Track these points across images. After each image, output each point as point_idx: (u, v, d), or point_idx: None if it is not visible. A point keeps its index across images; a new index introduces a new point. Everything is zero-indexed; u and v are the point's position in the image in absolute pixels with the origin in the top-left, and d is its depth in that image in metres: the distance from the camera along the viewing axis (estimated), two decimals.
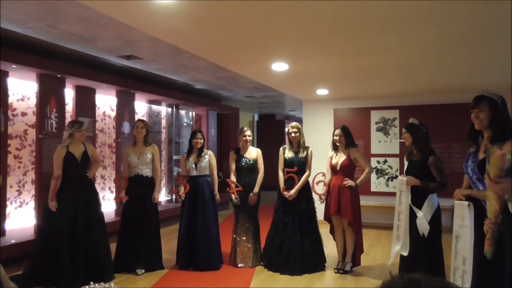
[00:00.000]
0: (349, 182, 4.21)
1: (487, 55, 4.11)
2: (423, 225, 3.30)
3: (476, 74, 5.10)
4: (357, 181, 4.23)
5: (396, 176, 6.80)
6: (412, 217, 3.41)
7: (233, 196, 4.45)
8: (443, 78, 5.37)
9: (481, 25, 3.13)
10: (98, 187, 4.79)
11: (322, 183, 4.42)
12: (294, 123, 4.57)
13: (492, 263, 1.93)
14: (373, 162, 6.89)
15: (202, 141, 4.60)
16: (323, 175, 4.43)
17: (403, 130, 3.66)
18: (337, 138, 4.31)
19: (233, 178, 4.57)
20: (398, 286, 0.60)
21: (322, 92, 6.57)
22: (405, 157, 3.70)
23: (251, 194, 4.46)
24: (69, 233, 3.83)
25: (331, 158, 4.40)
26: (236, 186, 4.46)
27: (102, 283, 2.72)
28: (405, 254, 3.43)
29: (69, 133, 4.02)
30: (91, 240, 3.94)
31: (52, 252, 3.79)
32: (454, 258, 2.27)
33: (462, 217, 2.21)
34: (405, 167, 3.61)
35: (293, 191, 4.30)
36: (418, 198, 3.39)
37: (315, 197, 4.48)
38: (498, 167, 1.70)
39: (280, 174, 4.47)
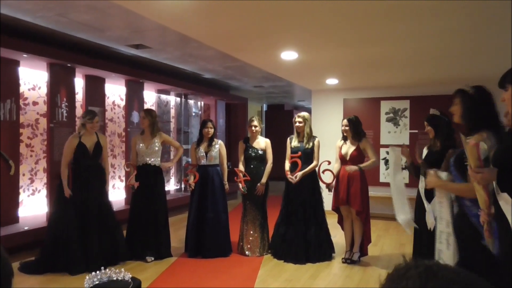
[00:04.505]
0: (352, 167, 4.18)
1: (497, 45, 4.01)
2: (429, 220, 3.22)
3: (488, 64, 4.99)
4: (361, 165, 4.20)
5: (406, 168, 6.74)
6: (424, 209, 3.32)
7: (240, 185, 4.47)
8: (454, 68, 5.27)
9: (491, 14, 3.05)
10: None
11: (328, 172, 4.39)
12: (301, 113, 4.56)
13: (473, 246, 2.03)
14: (383, 152, 6.83)
15: (212, 130, 4.62)
16: (328, 163, 4.42)
17: (425, 123, 3.56)
18: (343, 128, 4.33)
19: (241, 167, 4.59)
20: (413, 274, 0.58)
21: (332, 81, 6.50)
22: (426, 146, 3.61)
23: (258, 184, 4.47)
24: (81, 221, 3.90)
25: (340, 148, 4.39)
26: (244, 176, 4.47)
27: (112, 269, 2.78)
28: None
29: (81, 123, 4.09)
30: (105, 226, 4.01)
31: (64, 239, 3.86)
32: (439, 222, 2.34)
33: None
34: (423, 155, 3.54)
35: (299, 174, 4.27)
36: (429, 190, 3.29)
37: (323, 186, 4.49)
38: (474, 157, 1.71)
39: (287, 162, 4.47)
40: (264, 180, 4.49)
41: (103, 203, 4.09)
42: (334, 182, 4.39)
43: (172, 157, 6.97)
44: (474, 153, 1.71)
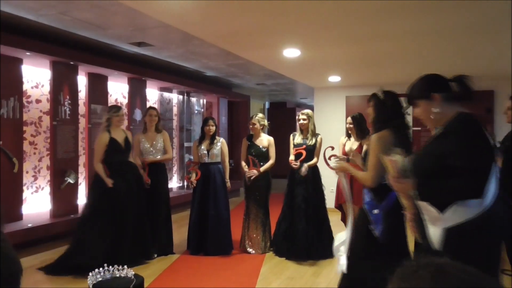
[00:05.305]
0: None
1: (499, 42, 3.99)
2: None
3: (490, 62, 4.97)
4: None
5: None
6: None
7: (246, 169, 4.47)
8: (456, 65, 5.24)
9: (492, 11, 3.03)
10: None
11: (334, 157, 4.37)
12: (305, 110, 4.56)
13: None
14: None
15: (214, 128, 4.61)
16: (332, 149, 4.42)
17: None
18: (347, 126, 4.36)
19: (244, 165, 4.59)
20: (424, 274, 0.56)
21: (334, 79, 6.48)
22: None
23: (254, 170, 4.46)
24: (117, 218, 3.79)
25: (344, 145, 4.41)
26: (255, 165, 4.46)
27: (116, 266, 2.78)
28: None
29: (107, 118, 3.98)
30: (140, 224, 4.01)
31: (96, 236, 3.72)
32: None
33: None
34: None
35: (305, 165, 4.27)
36: None
37: (325, 184, 4.50)
38: (392, 170, 1.83)
39: (291, 157, 4.47)
40: (262, 169, 4.46)
41: (144, 201, 4.08)
42: (337, 180, 4.39)
43: (174, 155, 6.96)
44: (390, 167, 1.85)
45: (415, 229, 1.92)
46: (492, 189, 1.66)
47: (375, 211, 2.43)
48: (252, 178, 4.45)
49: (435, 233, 1.71)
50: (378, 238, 2.40)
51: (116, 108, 4.05)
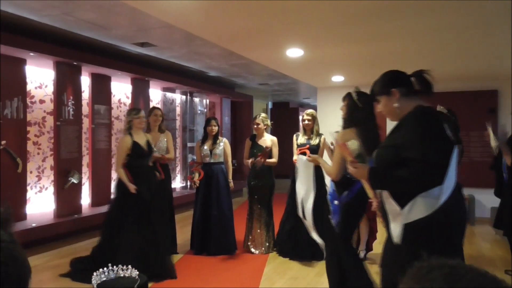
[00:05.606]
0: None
1: (499, 42, 3.97)
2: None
3: (491, 61, 4.94)
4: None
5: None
6: None
7: (251, 160, 4.48)
8: (459, 65, 5.22)
9: (494, 11, 3.01)
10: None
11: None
12: (309, 111, 4.56)
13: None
14: None
15: (216, 128, 4.61)
16: (332, 144, 4.42)
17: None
18: None
19: (246, 162, 4.61)
20: (437, 276, 0.55)
21: (338, 79, 6.47)
22: None
23: (258, 158, 4.44)
24: (143, 223, 3.70)
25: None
26: (264, 154, 4.47)
27: (120, 266, 2.78)
28: None
29: (128, 121, 3.87)
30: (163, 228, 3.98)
31: (120, 241, 3.61)
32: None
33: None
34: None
35: (312, 156, 4.27)
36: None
37: (328, 184, 4.48)
38: (346, 154, 1.97)
39: (295, 157, 4.46)
40: (267, 161, 4.45)
41: (166, 205, 4.12)
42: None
43: (177, 155, 6.94)
44: (345, 152, 1.99)
45: (382, 219, 1.96)
46: (450, 182, 1.67)
47: (335, 202, 2.65)
48: (257, 167, 4.42)
49: (395, 228, 1.74)
50: (334, 228, 2.67)
51: (136, 110, 3.94)
